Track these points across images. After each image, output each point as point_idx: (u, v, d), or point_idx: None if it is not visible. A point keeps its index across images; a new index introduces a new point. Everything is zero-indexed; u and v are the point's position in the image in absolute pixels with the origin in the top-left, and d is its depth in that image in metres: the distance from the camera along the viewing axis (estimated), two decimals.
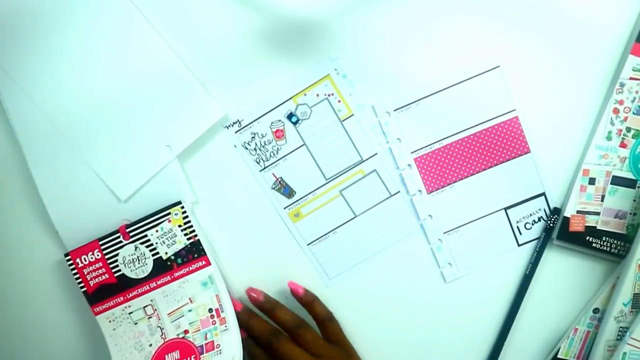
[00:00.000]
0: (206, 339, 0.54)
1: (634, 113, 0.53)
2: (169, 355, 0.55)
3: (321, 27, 0.53)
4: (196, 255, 0.54)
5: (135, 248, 0.54)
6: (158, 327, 0.55)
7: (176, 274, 0.55)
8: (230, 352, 0.54)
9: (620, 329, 0.53)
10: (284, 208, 0.57)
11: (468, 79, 0.54)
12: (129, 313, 0.55)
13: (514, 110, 0.55)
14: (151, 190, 0.55)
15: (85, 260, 0.55)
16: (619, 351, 0.52)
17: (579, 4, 0.53)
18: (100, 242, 0.55)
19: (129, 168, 0.55)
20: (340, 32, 0.53)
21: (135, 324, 0.55)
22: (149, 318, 0.55)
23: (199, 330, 0.55)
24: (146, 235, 0.54)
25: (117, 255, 0.55)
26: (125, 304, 0.55)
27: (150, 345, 0.55)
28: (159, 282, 0.55)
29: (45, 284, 0.59)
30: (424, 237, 0.57)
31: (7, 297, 0.59)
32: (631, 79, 0.53)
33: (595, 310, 0.55)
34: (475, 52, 0.54)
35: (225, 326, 0.54)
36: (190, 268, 0.55)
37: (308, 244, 0.58)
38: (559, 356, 0.56)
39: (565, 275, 0.57)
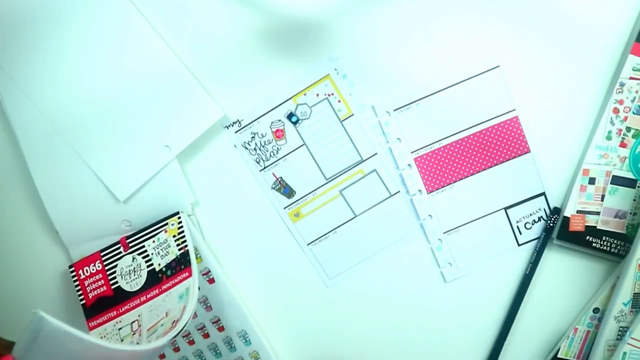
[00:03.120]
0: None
1: (634, 113, 0.53)
2: None
3: (321, 27, 0.53)
4: (183, 267, 0.53)
5: (133, 259, 0.54)
6: (137, 344, 0.52)
7: (163, 287, 0.54)
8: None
9: (621, 328, 0.53)
10: (284, 208, 0.57)
11: (468, 79, 0.54)
12: (119, 329, 0.54)
13: (514, 110, 0.54)
14: (151, 190, 0.55)
15: (87, 272, 0.55)
16: (619, 351, 0.52)
17: (579, 4, 0.53)
18: (102, 254, 0.55)
19: (128, 168, 0.54)
20: (340, 32, 0.53)
21: (122, 340, 0.54)
22: (133, 334, 0.53)
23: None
24: (144, 246, 0.54)
25: (115, 266, 0.55)
26: (117, 319, 0.54)
27: None
28: (148, 296, 0.54)
29: (44, 282, 0.59)
30: (424, 237, 0.57)
31: (4, 295, 0.59)
32: (631, 78, 0.52)
33: (595, 310, 0.55)
34: (475, 52, 0.54)
35: (173, 332, 0.48)
36: (175, 280, 0.53)
37: (308, 244, 0.58)
38: (559, 356, 0.56)
39: (565, 275, 0.57)
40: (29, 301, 0.59)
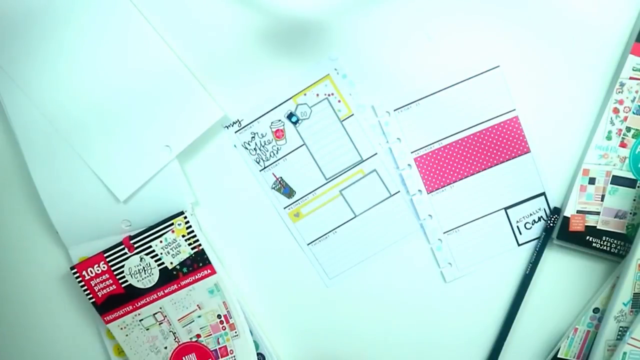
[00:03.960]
0: (219, 343, 0.56)
1: (634, 113, 0.53)
2: (187, 357, 0.56)
3: (321, 27, 0.53)
4: (201, 264, 0.55)
5: (141, 259, 0.55)
6: (170, 331, 0.56)
7: (182, 283, 0.55)
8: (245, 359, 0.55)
9: (621, 328, 0.53)
10: (284, 208, 0.57)
11: (468, 79, 0.54)
12: (140, 320, 0.56)
13: (514, 110, 0.54)
14: (151, 190, 0.55)
15: (92, 273, 0.55)
16: (619, 351, 0.52)
17: (578, 4, 0.53)
18: (105, 255, 0.55)
19: (128, 168, 0.54)
20: (340, 32, 0.53)
21: (147, 329, 0.56)
22: (160, 324, 0.56)
23: (211, 335, 0.56)
24: (151, 247, 0.55)
25: (122, 266, 0.55)
26: (135, 312, 0.56)
27: (166, 347, 0.56)
28: (166, 291, 0.55)
29: (44, 283, 0.59)
30: (424, 237, 0.57)
31: (4, 296, 0.59)
32: (631, 78, 0.52)
33: (595, 310, 0.55)
34: (475, 52, 0.54)
35: (236, 332, 0.55)
36: (196, 277, 0.55)
37: (308, 244, 0.57)
38: (559, 356, 0.56)
39: (565, 275, 0.57)
40: (29, 301, 0.59)
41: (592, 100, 0.54)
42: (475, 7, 0.53)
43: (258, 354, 0.58)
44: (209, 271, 0.55)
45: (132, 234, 0.55)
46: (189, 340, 0.56)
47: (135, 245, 0.55)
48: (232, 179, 0.57)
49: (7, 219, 0.58)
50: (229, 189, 0.57)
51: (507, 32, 0.53)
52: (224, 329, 0.56)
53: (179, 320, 0.56)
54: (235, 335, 0.55)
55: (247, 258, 0.58)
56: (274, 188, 0.57)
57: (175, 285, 0.55)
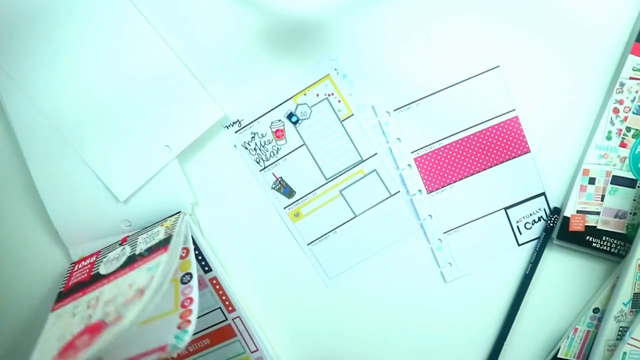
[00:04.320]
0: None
1: (634, 113, 0.53)
2: (80, 339, 0.46)
3: (321, 27, 0.53)
4: (161, 246, 0.50)
5: (123, 249, 0.53)
6: (89, 315, 0.48)
7: (135, 266, 0.50)
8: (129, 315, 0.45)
9: (620, 328, 0.53)
10: (284, 208, 0.57)
11: (468, 79, 0.54)
12: (75, 307, 0.50)
13: (514, 110, 0.55)
14: (151, 190, 0.55)
15: (80, 265, 0.54)
16: (619, 351, 0.52)
17: (579, 4, 0.53)
18: (102, 251, 0.55)
19: (128, 168, 0.54)
20: (340, 32, 0.53)
21: (74, 316, 0.49)
22: (87, 308, 0.49)
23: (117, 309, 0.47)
24: (137, 239, 0.54)
25: (106, 256, 0.53)
26: (80, 299, 0.50)
27: (72, 334, 0.47)
28: (117, 275, 0.50)
29: (44, 282, 0.59)
30: (424, 237, 0.57)
31: (4, 295, 0.59)
32: (631, 78, 0.52)
33: (595, 310, 0.55)
34: (475, 52, 0.54)
35: (142, 300, 0.45)
36: (149, 258, 0.50)
37: (308, 244, 0.58)
38: (559, 356, 0.56)
39: (565, 275, 0.57)
40: (28, 301, 0.59)
41: (592, 100, 0.54)
42: (475, 7, 0.53)
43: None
44: (161, 251, 0.49)
45: (131, 233, 0.55)
46: (97, 320, 0.47)
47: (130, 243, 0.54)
48: (232, 179, 0.57)
49: (7, 219, 0.58)
50: (229, 189, 0.57)
51: (507, 32, 0.53)
52: (134, 300, 0.46)
53: (105, 302, 0.48)
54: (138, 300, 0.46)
55: (247, 258, 0.58)
56: (274, 188, 0.57)
57: (127, 269, 0.50)
